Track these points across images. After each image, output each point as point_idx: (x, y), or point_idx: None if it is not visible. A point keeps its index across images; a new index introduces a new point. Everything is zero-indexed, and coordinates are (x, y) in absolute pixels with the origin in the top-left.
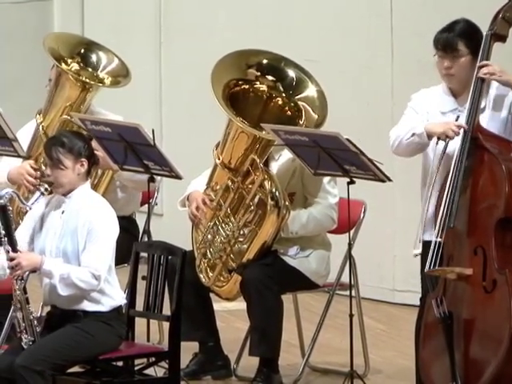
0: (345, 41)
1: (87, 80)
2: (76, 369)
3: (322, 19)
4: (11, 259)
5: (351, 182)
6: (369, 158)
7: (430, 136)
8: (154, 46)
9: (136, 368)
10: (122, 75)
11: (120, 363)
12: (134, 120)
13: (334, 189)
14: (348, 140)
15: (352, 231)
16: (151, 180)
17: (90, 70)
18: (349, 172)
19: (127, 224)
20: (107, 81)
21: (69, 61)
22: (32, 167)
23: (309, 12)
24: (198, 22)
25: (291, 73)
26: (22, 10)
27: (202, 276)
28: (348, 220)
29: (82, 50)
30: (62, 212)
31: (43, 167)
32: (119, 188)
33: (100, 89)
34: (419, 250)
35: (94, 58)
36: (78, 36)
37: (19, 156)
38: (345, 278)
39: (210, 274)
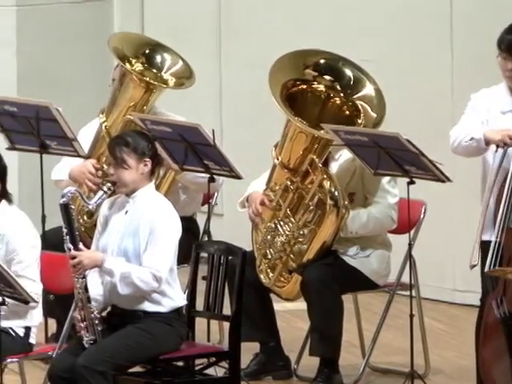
0: (404, 40)
1: (151, 81)
2: (137, 369)
3: (381, 18)
4: (73, 257)
5: (411, 182)
6: (429, 158)
7: (487, 143)
8: (214, 46)
9: (196, 368)
10: (185, 77)
11: (180, 363)
12: (194, 120)
13: (394, 189)
14: (408, 140)
15: (412, 231)
16: (211, 180)
17: (154, 70)
18: (409, 172)
19: (188, 224)
20: (171, 82)
21: (133, 61)
22: (94, 166)
23: (367, 11)
24: (258, 22)
25: (349, 72)
26: (82, 11)
27: (262, 276)
28: (408, 220)
29: (147, 51)
30: (126, 212)
31: (105, 166)
32: (181, 189)
33: (164, 90)
34: (476, 262)
35: (158, 58)
36: (143, 36)
37: (79, 156)
38: (405, 278)
39: (271, 275)
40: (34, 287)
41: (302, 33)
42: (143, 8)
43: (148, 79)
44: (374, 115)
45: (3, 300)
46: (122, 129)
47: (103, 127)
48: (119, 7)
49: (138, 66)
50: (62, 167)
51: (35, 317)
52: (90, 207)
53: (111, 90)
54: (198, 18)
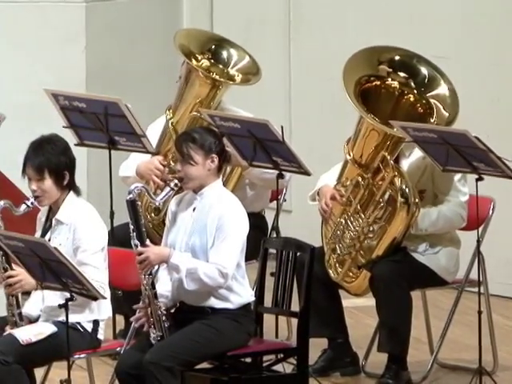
0: (474, 38)
1: (217, 77)
2: (204, 365)
3: (451, 16)
4: (139, 253)
5: (480, 179)
6: (497, 155)
7: None
8: (284, 42)
9: (264, 364)
10: (252, 73)
11: (248, 359)
12: (262, 117)
13: (464, 187)
14: (476, 138)
15: (481, 228)
16: (280, 176)
17: (221, 66)
18: (477, 169)
19: (256, 220)
20: (237, 78)
21: (199, 57)
22: (160, 163)
23: (439, 8)
24: (327, 17)
25: (423, 70)
26: (151, 7)
27: (330, 271)
28: (477, 217)
29: (213, 47)
30: (194, 209)
31: (172, 163)
32: (248, 185)
33: (230, 86)
34: None
35: (224, 54)
36: (209, 32)
37: (148, 152)
38: (473, 275)
39: (339, 270)
40: (99, 276)
41: (372, 28)
42: (212, 3)
43: (214, 75)
44: (447, 114)
45: (71, 296)
46: (188, 125)
47: (170, 124)
48: (188, 3)
49: (205, 62)
50: (130, 164)
51: (103, 310)
52: (157, 204)
53: (178, 87)
54: (267, 14)
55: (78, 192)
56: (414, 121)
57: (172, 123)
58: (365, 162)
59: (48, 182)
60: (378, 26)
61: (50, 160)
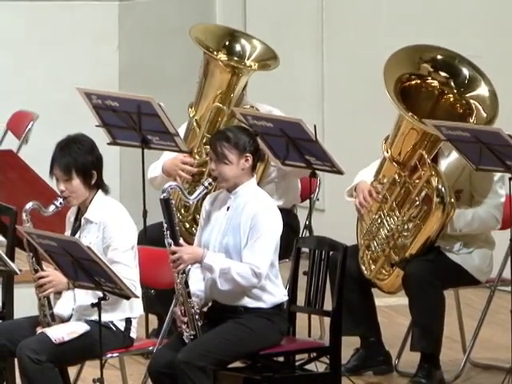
0: (508, 36)
1: (236, 65)
2: (237, 364)
3: (486, 14)
4: (173, 253)
5: None
6: None
7: None
8: (316, 40)
9: (297, 363)
10: (269, 58)
11: (281, 358)
12: (295, 115)
13: (501, 189)
14: (510, 136)
15: None
16: (313, 175)
17: (236, 59)
18: (510, 168)
19: (288, 219)
20: (255, 67)
21: (214, 53)
22: (186, 158)
23: (474, 7)
24: (361, 16)
25: (465, 70)
26: (184, 6)
27: (364, 268)
28: (510, 216)
29: (227, 42)
30: (227, 208)
31: (197, 157)
32: (277, 178)
33: (250, 74)
34: None
35: (238, 47)
36: (223, 27)
37: (181, 151)
38: (506, 274)
39: (373, 267)
40: (130, 274)
41: (405, 27)
42: (245, 3)
43: (233, 64)
44: (486, 115)
45: (104, 295)
46: (210, 117)
47: (193, 120)
48: (221, 2)
49: (222, 57)
50: (157, 165)
51: (135, 308)
52: (190, 202)
53: (198, 85)
54: (299, 13)
55: (106, 191)
56: (453, 120)
57: (195, 120)
58: (402, 159)
59: (76, 182)
60: (411, 26)
61: (76, 160)
